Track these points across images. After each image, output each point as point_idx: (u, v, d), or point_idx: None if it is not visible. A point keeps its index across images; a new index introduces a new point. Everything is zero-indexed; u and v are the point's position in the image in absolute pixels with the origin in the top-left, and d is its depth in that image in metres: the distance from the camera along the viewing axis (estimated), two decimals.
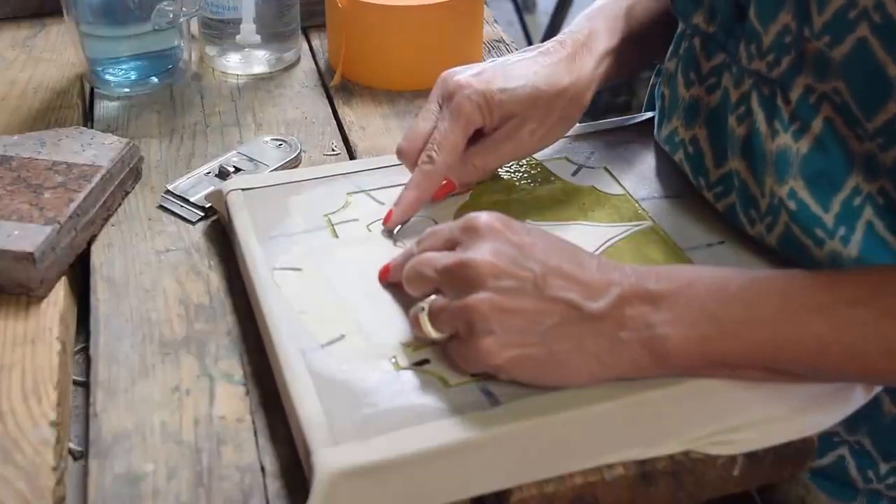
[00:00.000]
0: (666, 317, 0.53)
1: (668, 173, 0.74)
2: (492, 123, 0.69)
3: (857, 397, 0.58)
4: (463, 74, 0.69)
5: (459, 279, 0.54)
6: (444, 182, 0.69)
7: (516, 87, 0.68)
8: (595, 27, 0.74)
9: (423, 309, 0.56)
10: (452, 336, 0.55)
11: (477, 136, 0.70)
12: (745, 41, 0.63)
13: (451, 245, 0.58)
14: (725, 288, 0.54)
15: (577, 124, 0.83)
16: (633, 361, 0.53)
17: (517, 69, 0.70)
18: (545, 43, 0.74)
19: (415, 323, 0.57)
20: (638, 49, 0.77)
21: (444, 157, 0.67)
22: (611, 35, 0.74)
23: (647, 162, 0.76)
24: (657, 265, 0.63)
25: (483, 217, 0.57)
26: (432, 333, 0.56)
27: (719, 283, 0.55)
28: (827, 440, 0.71)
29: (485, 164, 0.70)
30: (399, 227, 0.67)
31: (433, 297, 0.56)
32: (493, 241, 0.55)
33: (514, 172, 0.74)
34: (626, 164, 0.75)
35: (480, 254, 0.54)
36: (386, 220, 0.68)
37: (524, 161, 0.76)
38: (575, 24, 0.76)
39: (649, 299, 0.53)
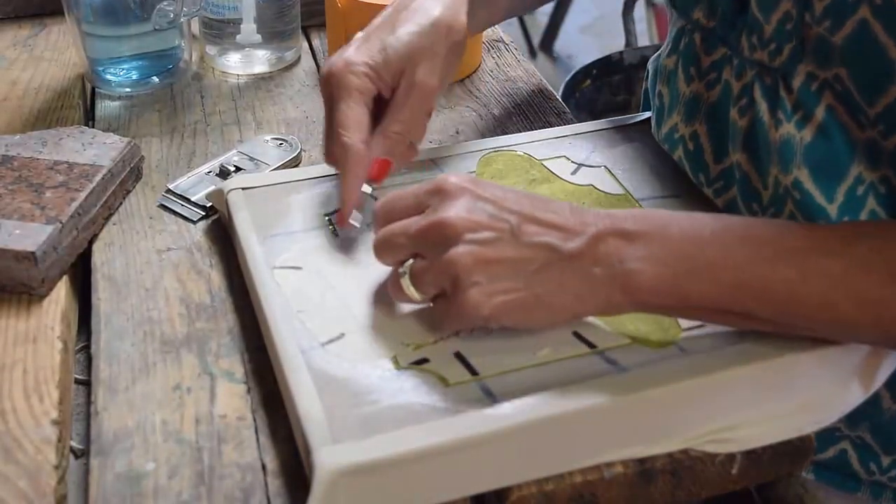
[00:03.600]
0: (639, 253, 0.54)
1: (668, 172, 0.74)
2: (388, 85, 0.67)
3: (856, 396, 0.58)
4: (339, 56, 0.67)
5: (437, 239, 0.55)
6: (378, 162, 0.67)
7: (392, 41, 0.67)
8: None
9: (404, 273, 0.56)
10: (437, 296, 0.56)
11: (383, 110, 0.68)
12: (746, 32, 0.64)
13: (420, 210, 0.58)
14: (701, 231, 0.55)
15: (577, 123, 0.83)
16: (607, 297, 0.54)
17: (385, 28, 0.69)
18: None
19: (396, 289, 0.57)
20: None
21: (353, 134, 0.65)
22: None
23: (647, 161, 0.76)
24: None
25: (452, 178, 0.57)
26: (416, 296, 0.56)
27: (695, 226, 0.55)
28: (829, 435, 0.71)
29: (403, 127, 0.68)
30: (357, 223, 0.66)
31: (412, 260, 0.57)
32: (464, 199, 0.56)
33: (512, 171, 0.75)
34: (625, 163, 0.75)
35: (455, 211, 0.55)
36: (340, 223, 0.66)
37: (523, 160, 0.76)
38: None
39: (624, 236, 0.54)
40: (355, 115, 0.65)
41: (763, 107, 0.63)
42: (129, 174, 0.75)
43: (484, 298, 0.53)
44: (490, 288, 0.53)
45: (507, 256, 0.54)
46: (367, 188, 0.67)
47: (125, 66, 0.90)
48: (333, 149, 0.66)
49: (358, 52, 0.67)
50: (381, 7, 0.88)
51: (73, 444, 0.58)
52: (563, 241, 0.54)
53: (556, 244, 0.54)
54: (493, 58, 0.98)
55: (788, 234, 0.55)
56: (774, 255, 0.54)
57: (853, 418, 0.68)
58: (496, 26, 1.05)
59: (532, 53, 2.76)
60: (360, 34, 0.70)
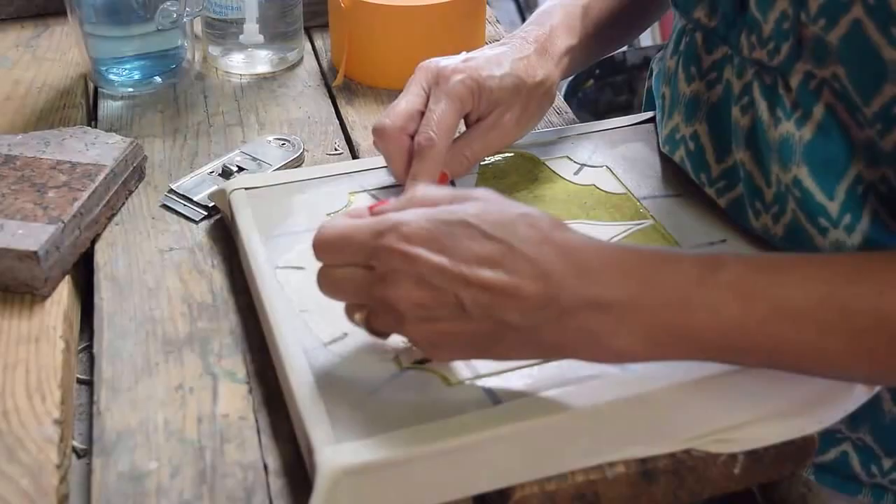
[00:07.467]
0: (616, 327, 0.50)
1: (670, 172, 0.74)
2: (478, 111, 0.69)
3: (858, 396, 0.58)
4: (450, 61, 0.69)
5: (384, 314, 0.52)
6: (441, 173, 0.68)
7: (503, 76, 0.69)
8: (555, 24, 0.76)
9: (357, 323, 0.54)
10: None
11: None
12: (746, 31, 0.64)
13: (365, 261, 0.52)
14: (688, 298, 0.51)
15: (578, 123, 0.83)
16: (575, 356, 0.53)
17: (498, 59, 0.70)
18: (510, 38, 0.74)
19: (350, 318, 0.55)
20: (593, 48, 0.79)
21: (443, 139, 0.66)
22: (569, 35, 0.76)
23: (649, 160, 0.76)
24: None
25: (401, 247, 0.50)
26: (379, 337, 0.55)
27: (679, 284, 0.51)
28: (829, 437, 0.71)
29: (473, 154, 0.70)
30: None
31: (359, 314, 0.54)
32: (409, 271, 0.50)
33: (515, 171, 0.75)
34: (627, 163, 0.75)
35: (400, 290, 0.50)
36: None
37: (526, 160, 0.76)
38: (535, 19, 0.77)
39: (597, 307, 0.50)
40: (450, 121, 0.67)
41: (762, 106, 0.63)
42: (131, 174, 0.75)
43: (433, 350, 0.53)
44: (444, 351, 0.53)
45: (456, 330, 0.51)
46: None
47: (128, 65, 0.90)
48: (420, 136, 0.66)
49: (472, 67, 0.69)
50: (384, 7, 0.89)
51: (76, 443, 0.58)
52: (522, 316, 0.50)
53: (514, 321, 0.50)
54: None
55: (784, 288, 0.52)
56: (770, 312, 0.51)
57: (854, 420, 0.68)
58: (498, 25, 1.05)
59: None
60: (473, 53, 0.71)
